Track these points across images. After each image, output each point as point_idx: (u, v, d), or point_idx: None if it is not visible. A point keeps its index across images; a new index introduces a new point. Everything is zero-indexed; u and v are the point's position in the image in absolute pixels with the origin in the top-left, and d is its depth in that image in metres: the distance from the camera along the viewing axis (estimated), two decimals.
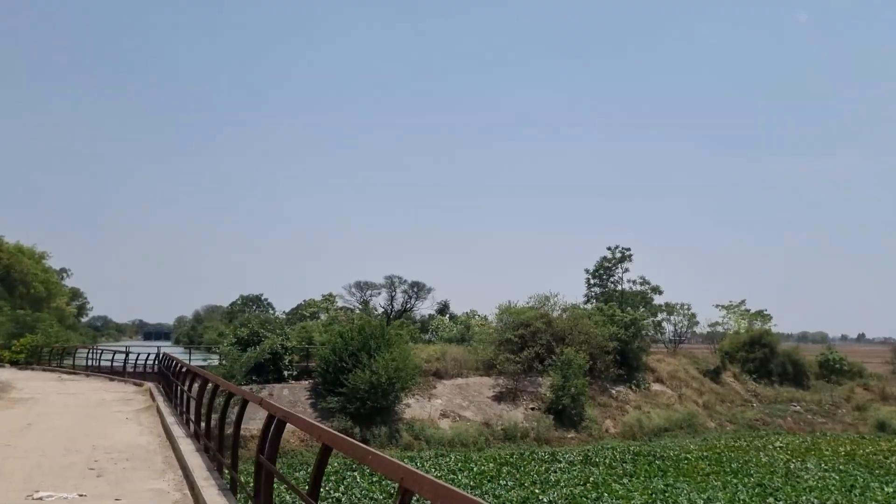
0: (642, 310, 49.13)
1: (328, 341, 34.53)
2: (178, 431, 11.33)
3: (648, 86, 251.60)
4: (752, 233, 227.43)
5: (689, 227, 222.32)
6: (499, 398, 36.55)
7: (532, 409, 36.03)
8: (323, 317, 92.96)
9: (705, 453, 30.91)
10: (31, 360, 30.17)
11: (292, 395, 33.03)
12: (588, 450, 31.02)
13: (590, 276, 57.07)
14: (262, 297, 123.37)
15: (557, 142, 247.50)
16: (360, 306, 77.90)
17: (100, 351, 27.60)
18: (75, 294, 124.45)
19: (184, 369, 16.38)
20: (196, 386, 12.79)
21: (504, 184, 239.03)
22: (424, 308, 69.39)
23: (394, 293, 69.36)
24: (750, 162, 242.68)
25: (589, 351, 38.01)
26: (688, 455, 30.28)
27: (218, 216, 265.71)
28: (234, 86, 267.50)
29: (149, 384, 19.84)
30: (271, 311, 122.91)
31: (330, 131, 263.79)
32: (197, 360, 34.57)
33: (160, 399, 15.97)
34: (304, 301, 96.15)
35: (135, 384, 21.87)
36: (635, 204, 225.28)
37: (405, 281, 69.43)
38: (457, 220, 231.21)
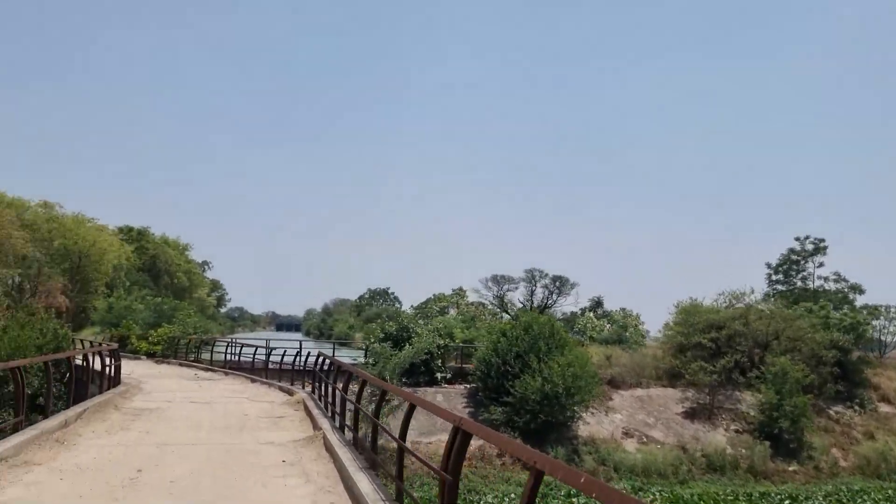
0: (845, 310, 40.42)
1: (488, 340, 29.32)
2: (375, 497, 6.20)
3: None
4: None
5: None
6: (690, 415, 29.86)
7: (735, 431, 29.09)
8: (452, 311, 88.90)
9: None
10: (168, 352, 27.22)
11: (447, 402, 28.06)
12: (829, 491, 23.82)
13: (771, 272, 48.50)
14: (389, 291, 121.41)
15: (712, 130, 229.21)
16: (493, 301, 72.70)
17: (239, 346, 23.91)
18: (215, 285, 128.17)
19: (343, 375, 11.48)
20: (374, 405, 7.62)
21: (656, 171, 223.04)
22: (567, 305, 62.92)
23: (533, 288, 63.42)
24: None
25: (802, 361, 30.47)
26: None
27: (348, 212, 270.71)
28: (365, 88, 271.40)
29: (300, 392, 15.24)
30: (397, 305, 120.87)
31: (467, 125, 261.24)
32: (341, 357, 30.50)
33: (322, 419, 11.10)
34: (434, 295, 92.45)
35: (281, 389, 17.44)
36: (821, 187, 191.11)
37: (546, 275, 63.30)
38: (602, 212, 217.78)
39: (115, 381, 16.71)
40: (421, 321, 32.20)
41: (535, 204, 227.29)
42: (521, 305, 65.02)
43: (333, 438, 9.27)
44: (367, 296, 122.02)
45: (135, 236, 77.06)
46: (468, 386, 29.59)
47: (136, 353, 28.57)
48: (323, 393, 13.96)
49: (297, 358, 25.40)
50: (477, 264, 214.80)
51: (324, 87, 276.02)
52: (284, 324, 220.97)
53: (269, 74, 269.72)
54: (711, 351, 31.74)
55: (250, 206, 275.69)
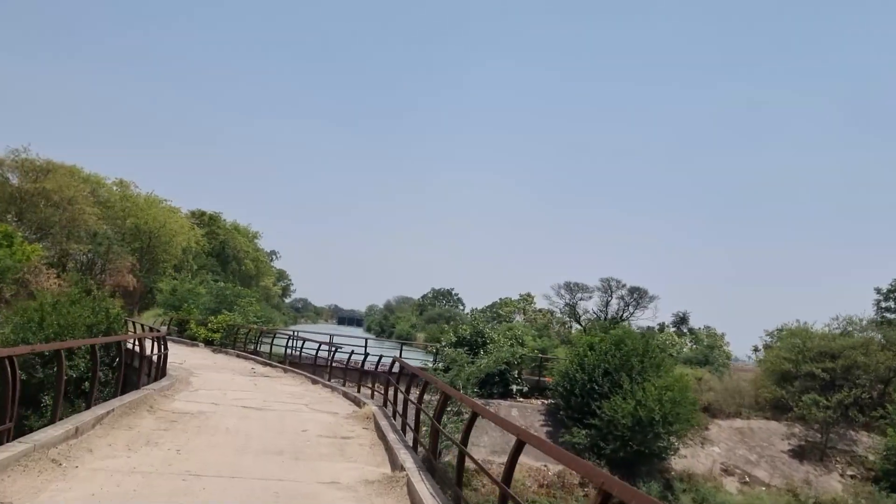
0: None
1: (570, 352, 26.24)
2: None
3: None
4: None
5: None
6: (798, 454, 25.99)
7: (852, 476, 25.09)
8: (519, 318, 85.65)
9: None
10: (227, 341, 25.33)
11: (523, 418, 25.16)
12: None
13: (881, 297, 43.40)
14: (453, 292, 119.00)
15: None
16: (563, 310, 69.17)
17: (302, 341, 21.67)
18: (281, 275, 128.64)
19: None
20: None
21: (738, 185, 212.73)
22: (644, 319, 58.88)
23: (609, 298, 59.64)
24: None
25: None
26: None
27: (415, 210, 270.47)
28: (436, 87, 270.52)
29: (369, 404, 12.65)
30: (461, 307, 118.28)
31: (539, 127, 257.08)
32: (408, 359, 28.01)
33: (400, 449, 8.43)
34: (500, 299, 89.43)
35: (346, 396, 14.93)
36: None
37: (623, 285, 59.42)
38: (681, 225, 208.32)
39: (160, 372, 14.58)
40: (496, 326, 29.30)
41: (609, 213, 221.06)
42: (594, 316, 61.36)
43: (422, 489, 6.54)
44: (430, 295, 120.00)
45: (206, 221, 77.02)
46: (546, 402, 26.58)
47: (193, 340, 26.89)
48: (399, 410, 11.34)
49: (365, 359, 23.08)
50: (547, 271, 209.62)
51: (397, 83, 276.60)
52: (346, 318, 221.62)
53: (344, 73, 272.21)
54: (823, 382, 27.70)
55: (320, 200, 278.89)
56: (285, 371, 19.87)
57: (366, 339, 27.96)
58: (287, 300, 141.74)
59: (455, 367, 21.84)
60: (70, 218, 45.43)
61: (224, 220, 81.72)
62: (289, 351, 24.78)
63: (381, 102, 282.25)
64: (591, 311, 61.31)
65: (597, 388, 23.68)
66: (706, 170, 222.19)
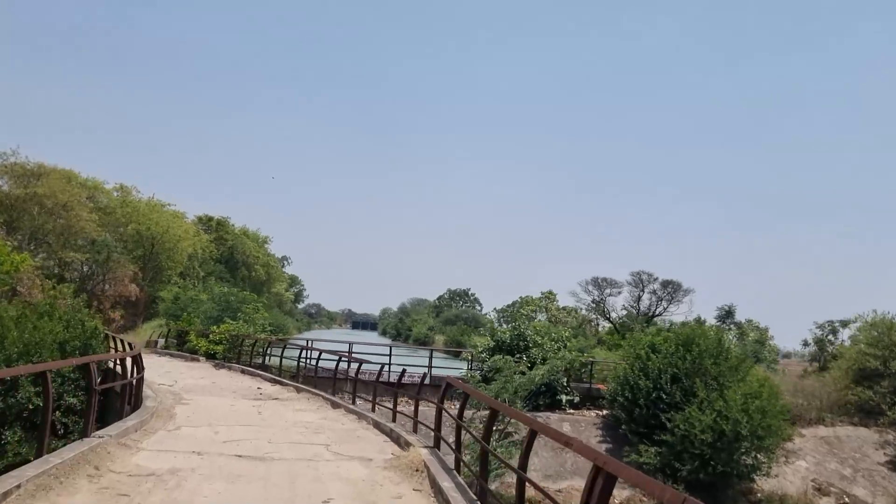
0: None
1: (628, 354, 22.50)
2: None
3: None
4: None
5: None
6: None
7: None
8: (541, 316, 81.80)
9: None
10: (231, 354, 21.71)
11: (577, 433, 21.45)
12: None
13: None
14: (470, 292, 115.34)
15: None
16: (587, 307, 65.30)
17: (317, 353, 18.04)
18: (294, 281, 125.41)
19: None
20: None
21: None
22: (678, 314, 54.90)
23: (640, 293, 55.68)
24: None
25: None
26: None
27: (425, 211, 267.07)
28: (446, 84, 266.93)
29: (416, 446, 8.99)
30: (478, 308, 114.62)
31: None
32: (441, 369, 24.39)
33: None
34: (520, 298, 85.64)
35: (379, 429, 11.28)
36: None
37: (655, 278, 55.44)
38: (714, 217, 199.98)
39: (133, 403, 11.03)
40: (539, 327, 25.57)
41: (633, 206, 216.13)
42: (624, 312, 57.49)
43: None
44: (446, 296, 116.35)
45: (214, 226, 73.85)
46: (601, 413, 22.90)
47: (194, 353, 23.43)
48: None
49: (388, 370, 19.56)
50: (569, 268, 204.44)
51: (408, 79, 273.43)
52: (360, 322, 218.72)
53: (353, 70, 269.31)
54: None
55: (328, 205, 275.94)
56: (298, 391, 16.29)
57: (389, 346, 24.36)
58: (300, 306, 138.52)
59: (500, 377, 18.18)
60: (66, 225, 42.25)
61: (233, 224, 78.50)
62: (302, 363, 21.24)
63: (391, 101, 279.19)
64: (620, 308, 57.34)
65: (664, 396, 19.97)
66: (730, 164, 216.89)
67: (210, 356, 22.44)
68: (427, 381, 22.15)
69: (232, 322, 21.77)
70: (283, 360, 19.73)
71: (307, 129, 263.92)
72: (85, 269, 45.33)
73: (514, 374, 17.83)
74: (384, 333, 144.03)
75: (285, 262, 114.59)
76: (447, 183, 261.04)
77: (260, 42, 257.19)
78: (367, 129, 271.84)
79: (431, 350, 24.45)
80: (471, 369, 24.14)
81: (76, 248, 42.99)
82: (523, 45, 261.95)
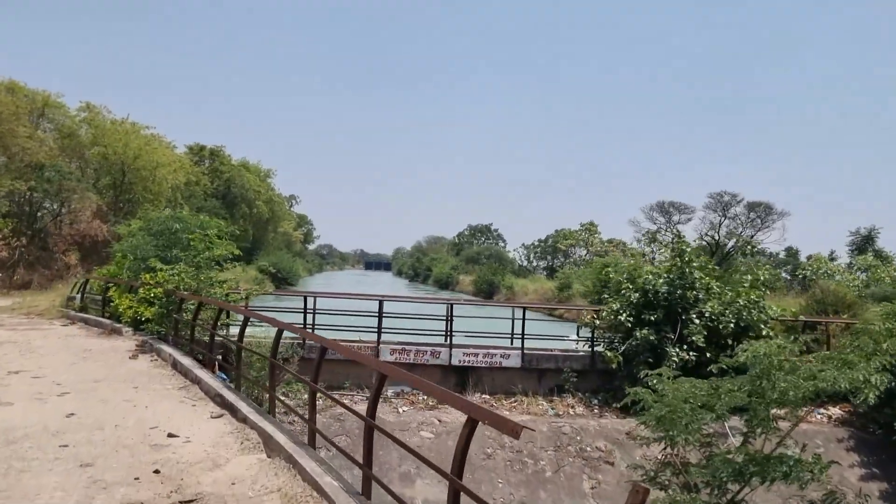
0: None
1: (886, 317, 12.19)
2: None
3: None
4: None
5: None
6: None
7: None
8: (582, 251, 71.58)
9: None
10: (167, 323, 11.58)
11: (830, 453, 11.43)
12: None
13: None
14: (493, 228, 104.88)
15: None
16: (646, 237, 54.84)
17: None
18: (302, 220, 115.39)
19: None
20: None
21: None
22: (769, 243, 44.27)
23: (721, 218, 44.92)
24: None
25: None
26: None
27: (438, 145, 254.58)
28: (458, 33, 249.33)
29: None
30: (501, 244, 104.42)
31: None
32: (536, 338, 14.14)
33: None
34: (556, 231, 75.35)
35: None
36: None
37: (739, 200, 44.46)
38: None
39: None
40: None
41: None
42: (696, 242, 46.90)
43: None
44: (466, 233, 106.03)
45: (206, 155, 63.26)
46: (848, 412, 12.77)
47: (119, 320, 13.44)
48: None
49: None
50: (611, 199, 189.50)
51: (417, 30, 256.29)
52: (373, 262, 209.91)
53: (363, 21, 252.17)
54: None
55: (339, 145, 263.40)
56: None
57: (448, 304, 14.18)
58: (310, 247, 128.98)
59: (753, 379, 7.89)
60: None
61: (229, 156, 67.76)
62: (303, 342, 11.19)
63: (408, 28, 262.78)
64: (695, 239, 46.71)
65: None
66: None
67: (138, 325, 12.46)
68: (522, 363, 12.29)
69: (166, 267, 11.56)
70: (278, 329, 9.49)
71: (317, 60, 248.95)
72: (33, 201, 35.23)
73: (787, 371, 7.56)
74: (400, 274, 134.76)
75: (293, 202, 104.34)
76: (469, 110, 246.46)
77: None
78: (380, 61, 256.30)
79: (524, 308, 14.13)
80: (593, 342, 13.98)
81: (17, 173, 32.75)
82: None
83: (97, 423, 6.65)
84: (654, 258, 54.38)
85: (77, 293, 17.61)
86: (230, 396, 7.54)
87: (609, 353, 12.85)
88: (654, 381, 12.16)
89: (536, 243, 78.12)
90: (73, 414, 6.98)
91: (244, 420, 6.83)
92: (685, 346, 12.85)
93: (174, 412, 7.28)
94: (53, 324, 14.65)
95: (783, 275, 38.40)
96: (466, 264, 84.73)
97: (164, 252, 13.63)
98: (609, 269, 19.01)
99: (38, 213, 35.72)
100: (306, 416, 6.17)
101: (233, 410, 7.22)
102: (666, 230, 48.57)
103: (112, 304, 14.15)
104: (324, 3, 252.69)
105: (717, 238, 44.83)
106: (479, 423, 3.45)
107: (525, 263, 79.52)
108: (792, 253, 44.62)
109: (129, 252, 14.01)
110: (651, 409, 8.82)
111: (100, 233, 36.39)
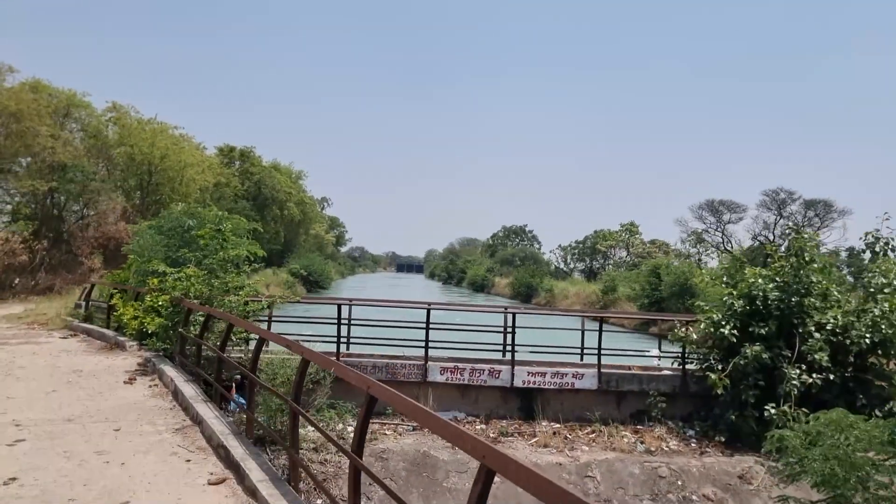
0: None
1: None
2: None
3: None
4: None
5: None
6: None
7: None
8: (622, 253, 68.57)
9: None
10: (172, 336, 9.52)
11: None
12: None
13: None
14: (527, 229, 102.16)
15: None
16: (693, 237, 51.88)
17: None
18: (334, 223, 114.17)
19: None
20: None
21: None
22: (830, 242, 41.07)
23: (777, 217, 41.81)
24: None
25: None
26: None
27: (471, 147, 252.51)
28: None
29: None
30: (536, 246, 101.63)
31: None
32: (613, 354, 11.79)
33: None
34: (595, 232, 72.45)
35: None
36: None
37: (797, 198, 41.33)
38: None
39: None
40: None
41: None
42: (749, 242, 43.90)
43: None
44: (500, 234, 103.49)
45: (237, 157, 61.99)
46: None
47: (122, 331, 11.48)
48: None
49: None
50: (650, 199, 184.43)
51: (451, 31, 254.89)
52: (405, 265, 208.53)
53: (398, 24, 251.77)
54: None
55: (371, 147, 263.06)
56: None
57: (505, 313, 11.92)
58: (343, 249, 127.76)
59: None
60: (21, 144, 30.60)
61: (259, 157, 66.40)
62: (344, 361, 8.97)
63: (440, 33, 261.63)
64: (750, 239, 43.65)
65: None
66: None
67: (142, 340, 10.44)
68: (599, 384, 9.92)
69: (171, 270, 9.45)
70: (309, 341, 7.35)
71: (349, 63, 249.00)
72: (56, 203, 33.96)
73: None
74: (432, 276, 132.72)
75: (325, 205, 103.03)
76: (503, 110, 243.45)
77: None
78: (414, 63, 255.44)
79: (601, 318, 11.74)
80: (684, 360, 11.58)
81: (40, 174, 31.43)
82: None
83: (41, 498, 4.56)
84: (699, 259, 51.44)
85: (83, 300, 15.74)
86: (237, 451, 5.39)
87: (713, 376, 10.44)
88: (773, 412, 9.76)
89: (574, 245, 75.24)
90: (13, 479, 4.89)
91: (253, 493, 4.68)
92: (804, 366, 10.39)
93: (159, 474, 5.16)
94: (52, 336, 12.75)
95: (848, 278, 35.07)
96: (501, 266, 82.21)
97: (174, 253, 11.59)
98: (660, 269, 16.49)
99: (63, 215, 34.37)
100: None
101: (239, 474, 5.08)
102: (715, 230, 45.50)
103: (116, 313, 12.16)
104: (356, 5, 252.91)
105: (773, 236, 41.66)
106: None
107: (562, 265, 76.77)
108: (854, 254, 41.25)
109: (136, 253, 12.00)
110: (804, 457, 6.43)
111: (125, 235, 34.88)
